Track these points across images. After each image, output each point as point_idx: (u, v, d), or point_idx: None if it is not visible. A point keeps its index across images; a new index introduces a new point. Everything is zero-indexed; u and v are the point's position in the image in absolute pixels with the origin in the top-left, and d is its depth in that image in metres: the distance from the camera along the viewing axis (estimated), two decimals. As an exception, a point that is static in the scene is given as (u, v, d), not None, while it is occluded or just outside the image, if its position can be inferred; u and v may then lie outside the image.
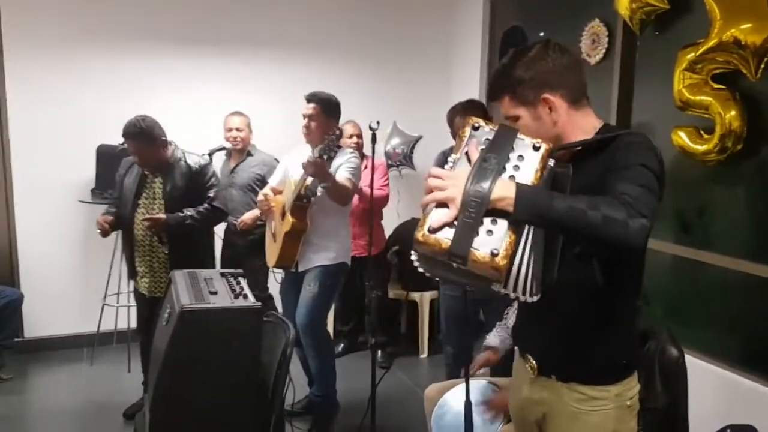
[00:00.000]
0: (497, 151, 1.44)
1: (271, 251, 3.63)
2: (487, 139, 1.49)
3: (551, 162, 1.52)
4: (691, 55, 3.01)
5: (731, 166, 3.06)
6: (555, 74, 1.62)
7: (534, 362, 1.74)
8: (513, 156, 1.46)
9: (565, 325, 1.66)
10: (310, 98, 3.54)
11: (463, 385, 2.19)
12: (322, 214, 3.47)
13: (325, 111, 3.52)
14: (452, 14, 5.39)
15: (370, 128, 3.35)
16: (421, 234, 1.40)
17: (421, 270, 1.50)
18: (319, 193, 3.39)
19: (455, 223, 1.37)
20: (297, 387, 2.98)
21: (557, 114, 1.62)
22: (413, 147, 5.19)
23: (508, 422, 2.45)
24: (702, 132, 3.06)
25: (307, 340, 3.55)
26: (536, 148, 1.46)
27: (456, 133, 3.40)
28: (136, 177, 3.51)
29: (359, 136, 4.46)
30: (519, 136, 1.48)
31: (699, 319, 3.30)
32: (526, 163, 1.45)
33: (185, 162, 3.50)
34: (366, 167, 4.50)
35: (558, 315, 1.65)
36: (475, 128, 1.52)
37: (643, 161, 1.45)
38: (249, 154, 4.44)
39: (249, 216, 4.26)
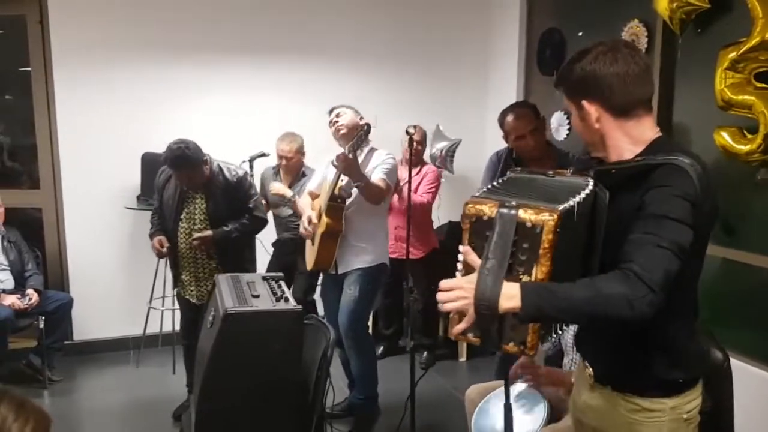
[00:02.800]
0: (499, 251, 1.44)
1: (310, 254, 3.67)
2: (488, 233, 1.46)
3: (590, 184, 1.58)
4: (733, 54, 2.97)
5: (776, 166, 3.01)
6: (603, 82, 1.60)
7: (591, 370, 1.75)
8: (519, 245, 1.44)
9: (620, 338, 1.64)
10: (334, 108, 3.62)
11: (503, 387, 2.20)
12: (360, 215, 3.50)
13: (356, 114, 3.61)
14: (489, 16, 5.38)
15: (407, 132, 3.37)
16: (454, 335, 1.54)
17: None
18: (354, 194, 3.44)
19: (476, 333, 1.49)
20: (336, 389, 3.01)
21: (599, 121, 1.63)
22: (453, 150, 5.19)
23: (549, 423, 2.44)
24: (745, 132, 3.02)
25: (349, 342, 3.59)
26: (540, 230, 1.42)
27: (507, 132, 3.42)
28: (175, 190, 3.58)
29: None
30: (519, 218, 1.43)
31: (744, 322, 3.24)
32: (533, 249, 1.44)
33: (223, 176, 3.55)
34: (418, 173, 4.54)
35: (614, 328, 1.63)
36: (473, 221, 1.50)
37: (669, 212, 1.43)
38: (303, 174, 4.43)
39: (280, 187, 4.28)
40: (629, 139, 1.63)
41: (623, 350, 1.66)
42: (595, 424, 1.76)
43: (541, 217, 1.42)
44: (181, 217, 3.57)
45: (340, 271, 3.60)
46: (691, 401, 1.68)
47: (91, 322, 4.77)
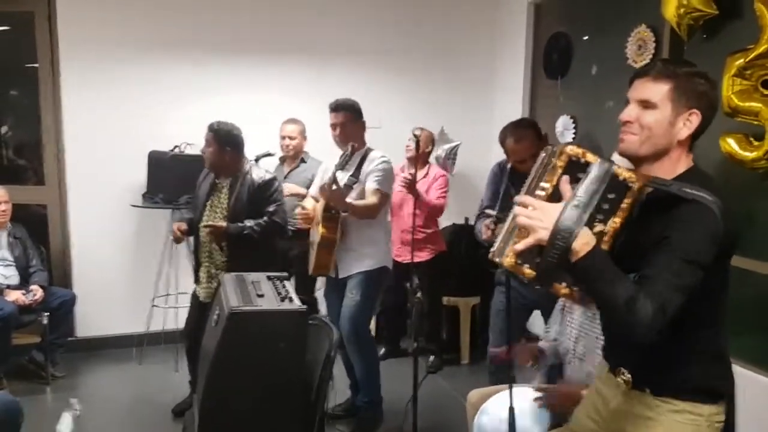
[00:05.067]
0: (589, 193, 1.53)
1: (311, 259, 3.69)
2: (581, 174, 1.55)
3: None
4: (740, 61, 2.97)
5: (782, 174, 3.01)
6: (709, 107, 1.66)
7: (629, 376, 1.75)
8: (605, 195, 1.54)
9: (660, 343, 1.64)
10: (336, 107, 3.59)
11: (507, 391, 2.20)
12: (360, 223, 3.52)
13: (355, 116, 3.60)
14: (496, 20, 5.39)
15: (414, 135, 3.38)
16: (507, 262, 1.56)
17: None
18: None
19: (537, 261, 1.53)
20: (338, 390, 3.02)
21: (684, 132, 1.64)
22: (455, 153, 5.19)
23: (553, 426, 2.44)
24: (751, 139, 3.01)
25: (352, 346, 3.59)
26: (628, 187, 1.55)
27: (508, 154, 3.40)
28: (209, 184, 3.66)
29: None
30: (614, 171, 1.55)
31: (748, 329, 3.23)
32: (616, 202, 1.55)
33: (251, 176, 3.59)
34: (426, 175, 4.54)
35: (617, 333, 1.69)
36: (572, 160, 1.58)
37: (692, 254, 1.49)
38: (303, 161, 4.54)
39: (292, 186, 4.36)
40: (678, 160, 1.67)
41: (664, 355, 1.66)
42: (631, 430, 1.75)
43: (632, 175, 1.57)
44: (206, 210, 3.61)
45: (341, 276, 3.61)
46: (722, 414, 1.71)
47: (94, 318, 4.79)
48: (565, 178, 1.57)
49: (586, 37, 4.54)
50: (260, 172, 3.66)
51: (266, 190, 3.60)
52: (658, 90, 1.63)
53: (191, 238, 3.83)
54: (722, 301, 1.71)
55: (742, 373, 2.43)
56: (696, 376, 1.68)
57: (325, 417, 2.84)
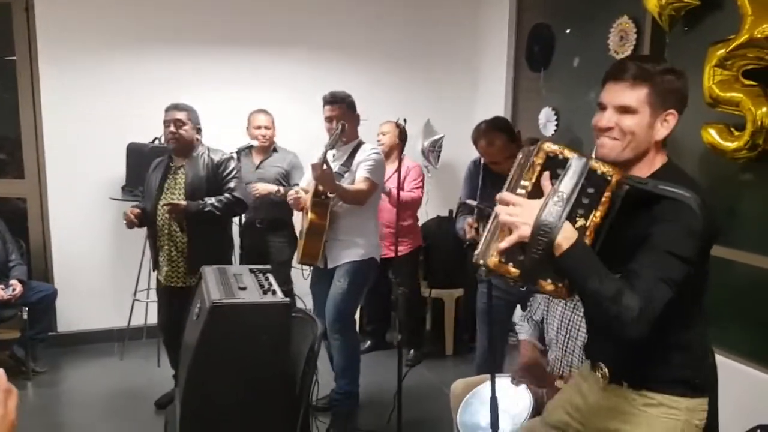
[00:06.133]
0: (569, 188, 1.54)
1: (299, 247, 3.67)
2: (559, 170, 1.57)
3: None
4: (721, 52, 2.97)
5: (762, 164, 3.02)
6: (683, 103, 1.67)
7: (605, 370, 1.76)
8: (584, 190, 1.55)
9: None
10: (332, 100, 3.57)
11: (489, 382, 2.20)
12: (349, 211, 3.51)
13: (350, 108, 3.60)
14: (478, 12, 5.38)
15: (398, 126, 3.37)
16: (492, 262, 1.56)
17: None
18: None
19: (521, 258, 1.53)
20: (322, 383, 3.01)
21: (662, 132, 1.65)
22: (440, 145, 5.18)
23: (533, 416, 2.45)
24: (732, 129, 3.03)
25: (334, 335, 3.59)
26: (607, 181, 1.56)
27: (481, 154, 3.40)
28: (162, 169, 3.62)
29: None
30: (591, 165, 1.56)
31: (729, 318, 3.26)
32: (596, 196, 1.57)
33: (208, 155, 3.59)
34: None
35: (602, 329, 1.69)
36: (550, 157, 1.59)
37: (675, 249, 1.51)
38: (274, 150, 4.53)
39: (263, 186, 4.32)
40: (654, 162, 1.68)
41: (641, 348, 1.66)
42: (610, 425, 1.76)
43: (610, 169, 1.58)
44: (163, 193, 3.56)
45: (329, 266, 3.59)
46: (703, 411, 1.72)
47: (75, 313, 4.74)
48: (546, 174, 1.58)
49: (568, 30, 4.54)
50: (217, 152, 3.64)
51: (225, 168, 3.59)
52: (636, 95, 1.62)
53: (145, 229, 3.76)
54: (700, 296, 1.72)
55: (725, 364, 2.45)
56: (673, 369, 1.69)
57: (310, 410, 2.83)
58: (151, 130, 4.47)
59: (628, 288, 1.46)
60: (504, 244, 1.54)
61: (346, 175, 3.57)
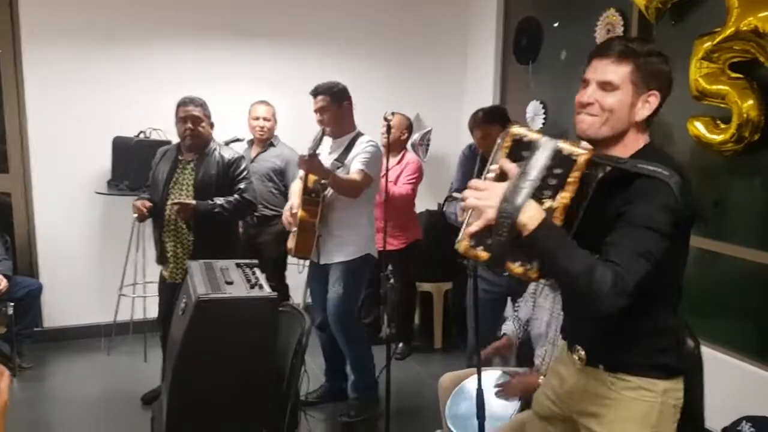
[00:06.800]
0: (534, 169, 1.55)
1: (292, 241, 3.66)
2: (525, 153, 1.58)
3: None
4: (707, 44, 2.99)
5: (748, 156, 3.04)
6: (667, 86, 1.67)
7: (582, 352, 1.76)
8: (551, 171, 1.55)
9: (614, 321, 1.65)
10: (316, 92, 3.54)
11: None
12: (340, 204, 3.48)
13: (335, 99, 3.52)
14: (467, 5, 5.36)
15: (385, 119, 3.35)
16: (462, 246, 1.58)
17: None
18: (330, 188, 3.42)
19: (489, 242, 1.55)
20: (312, 377, 3.00)
21: (643, 113, 1.64)
22: (429, 138, 5.17)
23: (522, 409, 2.46)
24: (719, 122, 3.04)
25: (340, 337, 3.61)
26: (573, 160, 1.55)
27: (478, 141, 3.39)
28: (170, 163, 3.56)
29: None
30: (558, 146, 1.56)
31: (715, 311, 3.28)
32: (563, 177, 1.55)
33: (219, 153, 3.54)
34: (399, 162, 4.49)
35: (576, 307, 1.70)
36: (516, 140, 1.60)
37: (651, 223, 1.50)
38: (272, 144, 4.46)
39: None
40: (635, 143, 1.67)
41: (617, 331, 1.68)
42: (588, 408, 1.77)
43: (578, 150, 1.56)
44: (171, 188, 3.51)
45: (322, 262, 3.58)
46: (680, 390, 1.73)
47: (61, 308, 4.70)
48: (506, 159, 1.60)
49: (555, 24, 4.54)
50: (228, 150, 3.61)
51: (236, 168, 3.54)
52: (619, 72, 1.63)
53: (134, 227, 3.72)
54: (676, 279, 1.72)
55: (712, 356, 2.46)
56: (650, 353, 1.69)
57: (299, 404, 2.82)
58: (136, 124, 4.44)
59: (601, 263, 1.46)
60: (472, 228, 1.56)
61: (339, 171, 3.53)
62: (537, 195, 1.54)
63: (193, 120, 3.47)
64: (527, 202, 1.51)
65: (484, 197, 1.55)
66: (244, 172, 3.58)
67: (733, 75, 2.95)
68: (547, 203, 1.55)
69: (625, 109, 1.63)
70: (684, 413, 1.78)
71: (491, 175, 1.61)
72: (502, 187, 1.54)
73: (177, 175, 3.53)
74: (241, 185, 3.52)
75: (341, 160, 3.53)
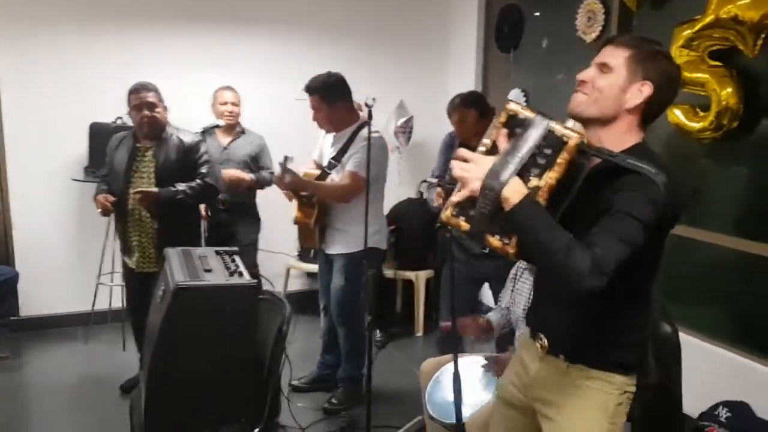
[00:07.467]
0: (524, 146, 1.56)
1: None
2: (518, 130, 1.58)
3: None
4: (687, 32, 2.99)
5: (727, 144, 3.06)
6: (667, 85, 1.66)
7: (545, 341, 1.77)
8: (541, 149, 1.56)
9: (576, 309, 1.68)
10: (307, 90, 3.48)
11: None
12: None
13: (327, 99, 3.45)
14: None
15: (366, 105, 3.32)
16: (445, 215, 1.62)
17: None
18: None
19: (472, 213, 1.57)
20: (294, 364, 2.98)
21: (634, 101, 1.63)
22: (410, 126, 5.15)
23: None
24: (698, 109, 3.06)
25: (339, 328, 3.66)
26: (564, 142, 1.55)
27: (455, 125, 3.39)
28: (127, 151, 3.49)
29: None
30: (551, 126, 1.56)
31: (693, 297, 3.31)
32: (552, 157, 1.56)
33: (177, 137, 3.49)
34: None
35: (569, 299, 1.67)
36: (511, 116, 1.61)
37: (634, 211, 1.50)
38: (242, 132, 4.38)
39: (236, 173, 4.17)
40: (627, 137, 1.66)
41: (582, 323, 1.69)
42: (546, 396, 1.78)
43: (570, 132, 1.56)
44: (132, 177, 3.46)
45: (327, 251, 3.61)
46: (632, 384, 1.74)
47: (38, 297, 4.63)
48: (503, 131, 1.60)
49: (537, 13, 4.53)
50: (187, 134, 3.55)
51: (196, 151, 3.51)
52: (617, 55, 1.65)
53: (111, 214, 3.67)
54: (650, 280, 1.72)
55: (687, 340, 2.48)
56: (612, 350, 1.70)
57: (281, 391, 2.80)
58: (114, 110, 4.36)
59: (581, 244, 1.46)
60: (456, 197, 1.59)
61: (334, 171, 3.50)
62: (524, 173, 1.55)
63: (149, 106, 3.42)
64: (512, 178, 1.52)
65: (471, 169, 1.57)
66: (205, 155, 3.54)
67: (713, 63, 2.96)
68: (534, 182, 1.56)
69: (615, 91, 1.63)
70: (662, 398, 1.80)
71: (482, 148, 1.62)
72: (490, 160, 1.56)
73: (137, 164, 3.47)
74: (203, 169, 3.49)
75: (338, 158, 3.49)
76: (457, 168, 1.59)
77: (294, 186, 3.39)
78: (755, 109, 2.93)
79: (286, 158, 3.40)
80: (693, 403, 2.58)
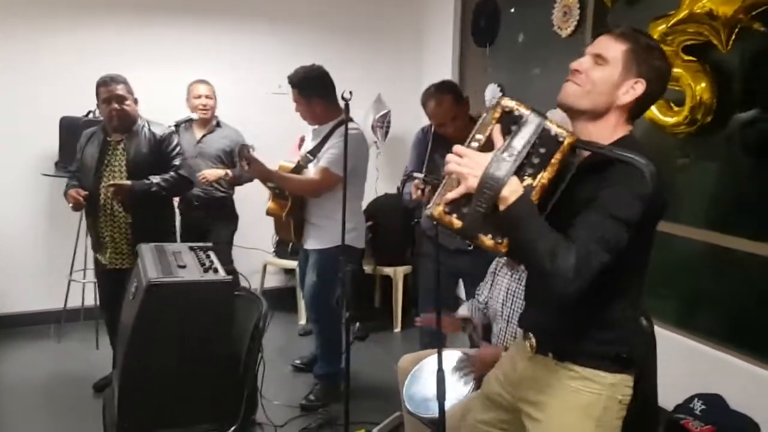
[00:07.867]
0: (519, 144, 1.54)
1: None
2: (513, 126, 1.56)
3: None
4: (662, 27, 3.01)
5: (701, 138, 3.09)
6: (658, 83, 1.65)
7: (534, 340, 1.76)
8: (536, 149, 1.54)
9: (566, 310, 1.64)
10: (289, 82, 3.47)
11: (435, 355, 2.19)
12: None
13: (303, 94, 3.45)
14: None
15: (343, 98, 3.29)
16: (436, 211, 1.57)
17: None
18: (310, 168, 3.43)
19: (465, 211, 1.54)
20: (268, 362, 2.96)
21: (626, 98, 1.62)
22: (387, 121, 5.14)
23: (476, 388, 2.47)
24: (672, 104, 3.07)
25: (312, 323, 3.68)
26: (559, 142, 1.54)
27: (429, 116, 3.38)
28: (98, 145, 3.44)
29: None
30: (546, 125, 1.55)
31: (666, 290, 3.34)
32: (546, 157, 1.55)
33: (149, 129, 3.44)
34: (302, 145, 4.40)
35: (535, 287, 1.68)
36: (506, 112, 1.58)
37: (618, 212, 1.49)
38: (218, 125, 4.32)
39: (212, 173, 4.12)
40: (616, 130, 1.65)
41: (568, 319, 1.67)
42: (531, 396, 1.76)
43: (563, 131, 1.56)
44: (103, 172, 3.40)
45: (304, 246, 3.61)
46: (628, 386, 1.71)
47: (8, 294, 4.55)
48: (497, 127, 1.58)
49: (512, 10, 4.53)
50: (158, 126, 3.51)
51: (168, 144, 3.47)
52: (614, 48, 1.63)
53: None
54: (640, 273, 1.71)
55: (663, 335, 2.49)
56: (600, 345, 1.67)
57: (258, 389, 2.78)
58: (85, 103, 4.29)
59: (565, 245, 1.45)
60: (452, 194, 1.55)
61: (310, 165, 3.47)
62: (519, 171, 1.54)
63: (118, 99, 3.36)
64: (510, 177, 1.51)
65: (467, 164, 1.54)
66: (177, 148, 3.50)
67: (687, 58, 2.98)
68: (527, 180, 1.55)
69: (608, 86, 1.62)
70: (637, 391, 1.79)
71: (475, 144, 1.59)
72: (486, 157, 1.53)
73: (108, 158, 3.42)
74: (176, 161, 3.45)
75: (315, 152, 3.47)
76: (453, 163, 1.56)
77: (259, 175, 3.36)
78: (728, 103, 2.95)
79: (243, 146, 3.38)
80: (668, 396, 2.60)
